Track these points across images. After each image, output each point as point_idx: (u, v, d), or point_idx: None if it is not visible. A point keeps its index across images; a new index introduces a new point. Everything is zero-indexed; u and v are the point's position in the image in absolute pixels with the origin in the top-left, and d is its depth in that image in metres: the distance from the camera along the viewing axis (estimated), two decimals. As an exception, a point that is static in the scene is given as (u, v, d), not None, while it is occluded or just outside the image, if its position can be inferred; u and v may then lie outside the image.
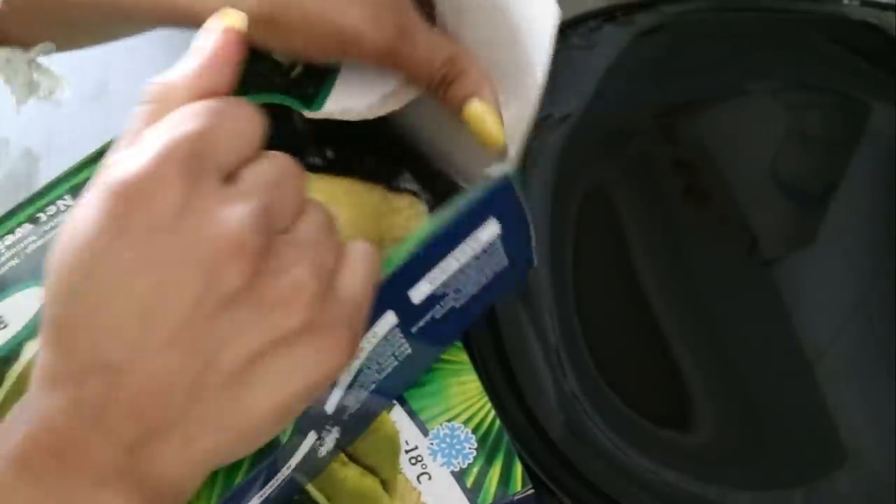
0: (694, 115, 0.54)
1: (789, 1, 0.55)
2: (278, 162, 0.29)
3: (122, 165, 0.27)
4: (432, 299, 0.39)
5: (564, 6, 0.61)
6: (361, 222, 0.46)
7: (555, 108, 0.53)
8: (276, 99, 0.43)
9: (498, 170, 0.38)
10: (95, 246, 0.26)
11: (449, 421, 0.43)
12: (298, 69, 0.44)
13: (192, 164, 0.27)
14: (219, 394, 0.27)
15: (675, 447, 0.47)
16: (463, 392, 0.44)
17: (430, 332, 0.40)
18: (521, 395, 0.47)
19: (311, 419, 0.37)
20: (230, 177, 0.28)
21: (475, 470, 0.42)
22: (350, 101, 0.43)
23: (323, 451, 0.40)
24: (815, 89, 0.54)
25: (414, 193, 0.48)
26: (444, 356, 0.45)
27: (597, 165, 0.53)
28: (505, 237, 0.40)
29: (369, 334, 0.37)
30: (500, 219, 0.39)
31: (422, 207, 0.48)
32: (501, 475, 0.42)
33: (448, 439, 0.43)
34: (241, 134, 0.28)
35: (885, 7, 0.53)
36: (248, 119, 0.29)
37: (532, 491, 0.42)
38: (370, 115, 0.43)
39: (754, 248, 0.51)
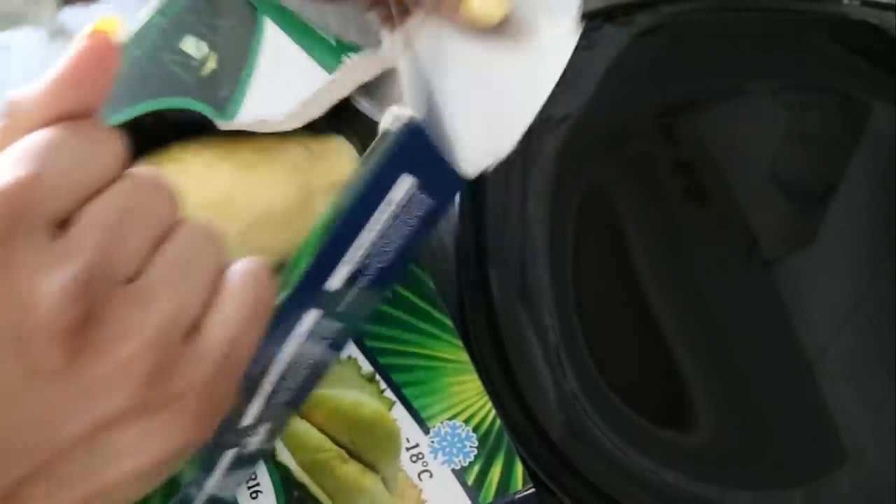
0: (694, 116, 0.54)
1: (789, 0, 0.55)
2: (135, 186, 0.25)
3: None
4: (354, 276, 0.36)
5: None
6: (280, 180, 0.44)
7: (554, 108, 0.53)
8: (186, 104, 0.41)
9: (395, 118, 0.34)
10: None
11: (450, 419, 0.43)
12: (211, 66, 0.41)
13: (8, 224, 0.23)
14: (60, 469, 0.24)
15: (675, 447, 0.47)
16: (464, 391, 0.44)
17: (363, 297, 0.37)
18: (521, 395, 0.47)
19: (218, 444, 0.36)
20: (64, 224, 0.24)
21: (476, 468, 0.42)
22: (267, 106, 0.40)
23: (253, 446, 0.38)
24: (815, 89, 0.54)
25: (340, 133, 0.45)
26: (445, 355, 0.45)
27: (596, 165, 0.53)
28: (425, 183, 0.35)
29: (289, 339, 0.35)
30: (414, 170, 0.34)
31: (348, 147, 0.46)
32: (502, 474, 0.42)
33: (449, 437, 0.42)
34: (84, 170, 0.25)
35: (886, 7, 0.53)
36: (96, 149, 0.25)
37: (533, 490, 0.42)
38: (288, 126, 0.41)
39: (754, 249, 0.51)
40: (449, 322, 0.46)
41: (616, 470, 0.46)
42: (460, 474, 0.42)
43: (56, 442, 0.23)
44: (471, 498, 0.41)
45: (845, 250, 0.51)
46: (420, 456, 0.42)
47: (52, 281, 0.23)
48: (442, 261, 0.51)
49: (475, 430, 0.43)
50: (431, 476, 0.42)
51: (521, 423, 0.45)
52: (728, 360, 0.49)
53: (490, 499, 0.41)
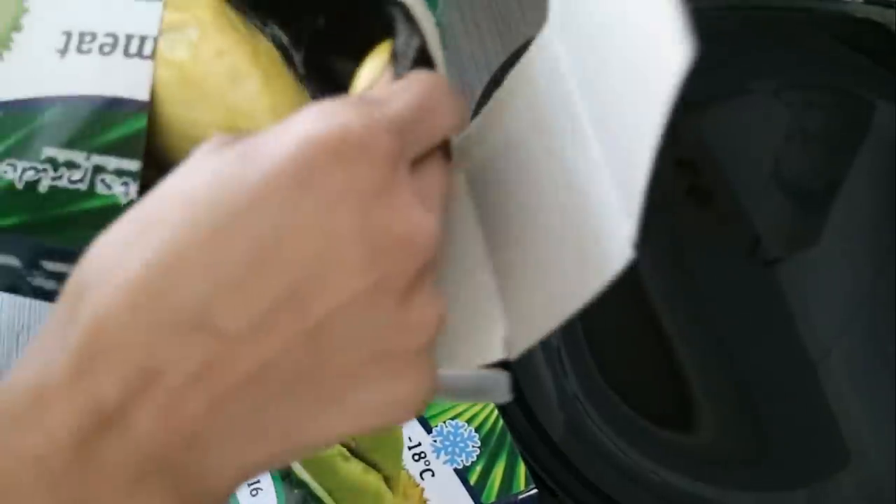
0: (696, 115, 0.54)
1: (792, -1, 0.55)
2: (446, 168, 0.27)
3: (341, 120, 0.24)
4: None
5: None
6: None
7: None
8: None
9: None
10: (273, 186, 0.23)
11: (452, 419, 0.43)
12: None
13: (405, 147, 0.25)
14: (306, 403, 0.24)
15: (676, 448, 0.47)
16: (466, 390, 0.44)
17: None
18: (522, 395, 0.46)
19: None
20: (413, 165, 0.26)
21: (478, 468, 0.42)
22: None
23: None
24: (818, 88, 0.54)
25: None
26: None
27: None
28: None
29: None
30: None
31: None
32: (505, 474, 0.42)
33: (451, 437, 0.42)
34: (442, 126, 0.27)
35: (889, 5, 0.53)
36: (455, 107, 0.27)
37: (535, 491, 0.42)
38: None
39: (756, 248, 0.51)
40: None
41: (617, 470, 0.46)
42: (462, 474, 0.42)
43: (317, 376, 0.24)
44: (473, 497, 0.41)
45: (848, 250, 0.51)
46: (422, 455, 0.42)
47: (429, 220, 0.25)
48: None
49: (478, 430, 0.43)
50: (434, 475, 0.42)
51: (522, 423, 0.45)
52: (730, 361, 0.49)
53: (492, 499, 0.41)
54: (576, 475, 0.45)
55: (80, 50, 0.34)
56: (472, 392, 0.31)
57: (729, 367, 0.49)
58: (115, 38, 0.34)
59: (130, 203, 0.33)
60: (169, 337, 0.23)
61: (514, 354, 0.29)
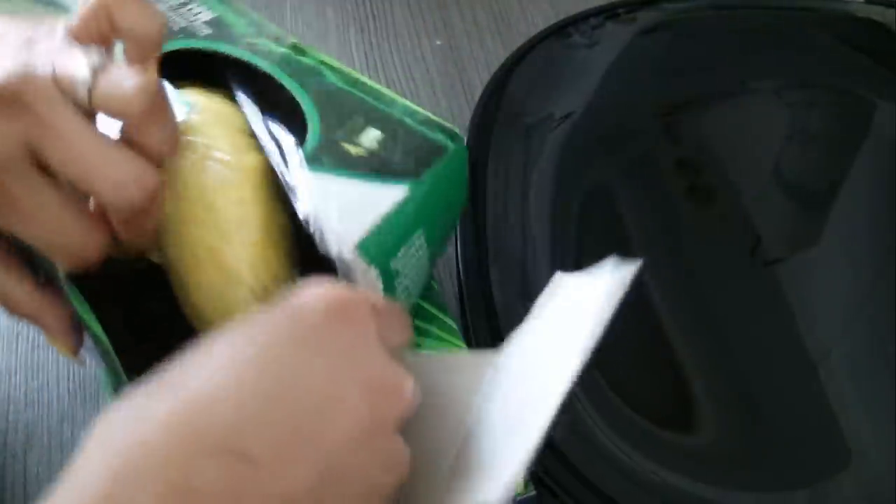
0: (696, 114, 0.54)
1: (792, -2, 0.55)
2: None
3: (336, 294, 0.30)
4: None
5: (567, 4, 0.62)
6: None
7: (556, 107, 0.53)
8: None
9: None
10: (291, 346, 0.29)
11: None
12: None
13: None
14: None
15: (677, 448, 0.47)
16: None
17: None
18: (522, 395, 0.46)
19: None
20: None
21: (476, 471, 0.41)
22: None
23: None
24: (819, 87, 0.54)
25: None
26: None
27: (598, 164, 0.53)
28: None
29: None
30: None
31: None
32: (502, 476, 0.42)
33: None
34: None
35: (889, 5, 0.53)
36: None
37: (534, 493, 0.42)
38: None
39: (757, 248, 0.51)
40: (453, 323, 0.46)
41: (617, 471, 0.45)
42: (460, 476, 0.41)
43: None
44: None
45: (849, 249, 0.51)
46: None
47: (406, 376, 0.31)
48: (442, 260, 0.51)
49: (475, 431, 0.42)
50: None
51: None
52: (731, 361, 0.49)
53: (490, 501, 0.41)
54: (576, 475, 0.45)
55: None
56: None
57: (729, 367, 0.48)
58: None
59: None
60: (203, 459, 0.25)
61: None
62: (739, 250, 0.51)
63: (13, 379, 0.50)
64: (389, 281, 0.39)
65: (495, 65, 0.56)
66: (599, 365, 0.48)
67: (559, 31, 0.56)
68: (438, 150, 0.42)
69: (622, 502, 0.44)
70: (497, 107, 0.54)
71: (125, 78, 0.31)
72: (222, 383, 0.27)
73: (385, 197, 0.39)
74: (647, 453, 0.46)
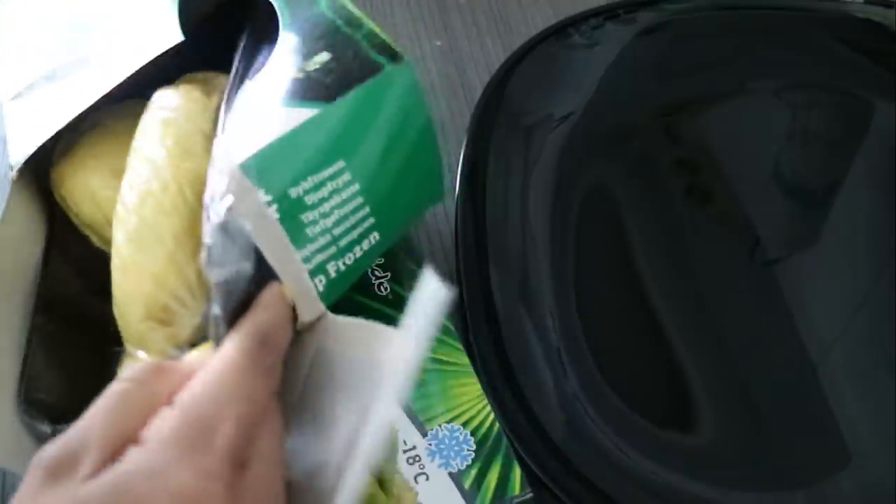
0: (696, 114, 0.54)
1: (792, -2, 0.55)
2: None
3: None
4: None
5: (567, 4, 0.62)
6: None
7: (556, 107, 0.53)
8: None
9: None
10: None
11: (448, 422, 0.43)
12: None
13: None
14: None
15: (676, 448, 0.47)
16: (462, 394, 0.44)
17: None
18: (522, 395, 0.46)
19: None
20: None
21: (473, 472, 0.42)
22: None
23: None
24: (818, 88, 0.54)
25: None
26: (445, 357, 0.45)
27: (598, 164, 0.53)
28: None
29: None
30: None
31: None
32: (500, 478, 0.42)
33: (446, 440, 0.42)
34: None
35: (889, 5, 0.53)
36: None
37: (531, 495, 0.42)
38: None
39: (756, 248, 0.51)
40: (450, 325, 0.46)
41: (617, 470, 0.46)
42: (457, 477, 0.41)
43: None
44: (467, 501, 0.41)
45: (848, 249, 0.51)
46: (417, 458, 0.42)
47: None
48: (442, 261, 0.51)
49: (473, 433, 0.43)
50: (428, 479, 0.41)
51: (521, 423, 0.45)
52: (730, 361, 0.49)
53: (487, 503, 0.41)
54: (575, 475, 0.45)
55: None
56: None
57: (729, 367, 0.49)
58: None
59: None
60: None
61: None
62: (739, 250, 0.51)
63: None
64: (291, 213, 0.33)
65: (495, 66, 0.56)
66: (599, 365, 0.48)
67: (559, 31, 0.56)
68: (371, 71, 0.37)
69: (622, 502, 0.45)
70: (497, 107, 0.54)
71: None
72: None
73: (291, 120, 0.35)
74: (646, 453, 0.46)
